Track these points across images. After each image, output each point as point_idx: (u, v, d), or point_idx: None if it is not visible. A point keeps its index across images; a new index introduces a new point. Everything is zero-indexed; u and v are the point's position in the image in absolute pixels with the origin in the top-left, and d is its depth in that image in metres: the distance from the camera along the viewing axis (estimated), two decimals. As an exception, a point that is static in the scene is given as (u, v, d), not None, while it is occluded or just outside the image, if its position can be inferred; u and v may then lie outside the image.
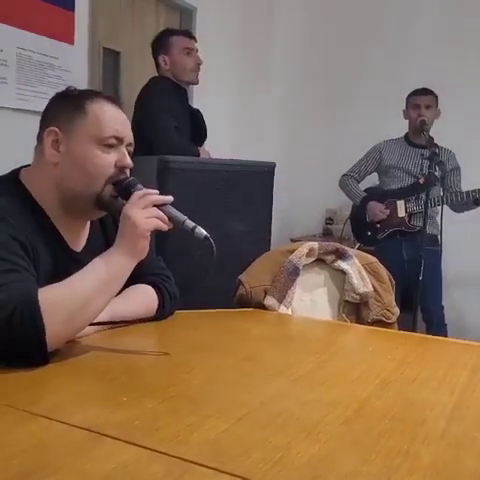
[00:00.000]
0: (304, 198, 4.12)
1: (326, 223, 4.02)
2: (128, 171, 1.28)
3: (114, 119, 1.26)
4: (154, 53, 2.87)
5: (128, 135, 1.29)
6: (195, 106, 3.07)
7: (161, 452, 0.79)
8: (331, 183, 3.51)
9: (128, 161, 1.27)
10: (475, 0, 3.79)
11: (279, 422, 0.91)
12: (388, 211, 3.28)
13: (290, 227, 3.88)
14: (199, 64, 2.86)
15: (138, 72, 3.12)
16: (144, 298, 1.37)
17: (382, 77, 3.97)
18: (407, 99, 3.27)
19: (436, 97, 3.19)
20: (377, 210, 3.30)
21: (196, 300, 1.34)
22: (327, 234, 3.90)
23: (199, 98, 3.39)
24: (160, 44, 2.84)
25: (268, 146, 3.95)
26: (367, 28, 4.04)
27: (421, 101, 3.18)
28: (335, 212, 3.97)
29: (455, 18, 3.80)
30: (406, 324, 3.02)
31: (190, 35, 2.90)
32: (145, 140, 2.23)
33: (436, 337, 1.60)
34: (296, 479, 0.76)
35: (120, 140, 1.26)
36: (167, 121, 2.65)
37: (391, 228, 3.31)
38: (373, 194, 3.39)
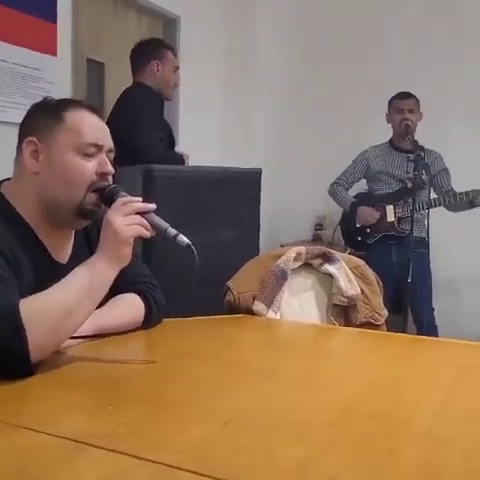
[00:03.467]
0: (293, 204, 4.13)
1: (316, 229, 4.03)
2: (110, 178, 1.27)
3: (93, 127, 1.26)
4: (145, 57, 2.81)
5: (108, 142, 1.28)
6: (182, 114, 3.08)
7: (146, 459, 0.78)
8: (320, 189, 3.52)
9: (109, 167, 1.26)
10: (454, 3, 3.82)
11: (265, 426, 0.91)
12: (378, 215, 3.29)
13: (279, 233, 3.88)
14: (179, 84, 2.91)
15: (122, 82, 3.13)
16: (131, 308, 1.36)
17: (368, 82, 3.99)
18: (390, 103, 3.28)
19: (418, 101, 3.21)
20: (367, 215, 3.31)
21: (185, 308, 1.33)
22: (317, 240, 3.91)
23: (186, 105, 3.40)
24: (155, 51, 2.80)
25: (257, 152, 3.96)
26: (351, 34, 4.07)
27: (404, 105, 3.20)
28: (324, 218, 3.98)
29: (438, 22, 3.83)
30: (397, 327, 3.03)
31: (175, 54, 2.93)
32: (128, 148, 2.21)
33: (423, 337, 1.61)
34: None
35: (100, 147, 1.26)
36: (153, 131, 2.65)
37: (381, 233, 3.32)
38: (362, 200, 3.40)
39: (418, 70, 3.82)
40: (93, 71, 3.06)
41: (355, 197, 3.44)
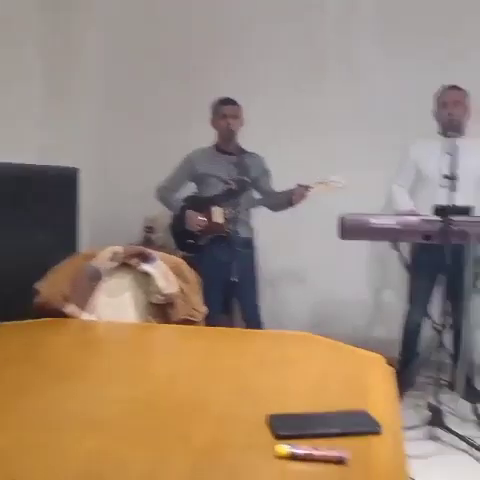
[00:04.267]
0: (122, 206, 4.07)
1: (146, 231, 4.00)
2: None
3: None
4: None
5: None
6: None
7: None
8: (150, 191, 3.52)
9: None
10: (271, 8, 4.06)
11: (63, 422, 0.90)
12: (205, 219, 3.36)
13: (107, 236, 3.78)
14: None
15: None
16: None
17: (192, 86, 4.08)
18: (214, 108, 3.39)
19: (240, 106, 3.36)
20: (194, 219, 3.37)
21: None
22: (147, 243, 3.88)
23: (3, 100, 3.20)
24: None
25: (84, 154, 3.85)
26: (170, 37, 4.13)
27: (227, 111, 3.32)
28: (155, 220, 3.97)
29: (259, 28, 4.03)
30: (226, 325, 3.14)
31: None
32: None
33: (231, 329, 1.68)
34: (71, 474, 0.75)
35: None
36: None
37: (210, 234, 3.38)
38: (191, 202, 3.45)
39: (238, 76, 3.99)
40: None
41: (184, 200, 3.49)
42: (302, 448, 0.84)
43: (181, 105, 4.10)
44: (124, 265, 1.78)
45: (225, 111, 3.34)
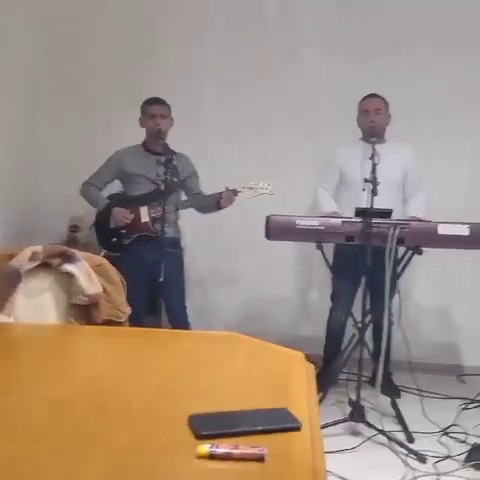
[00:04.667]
0: (47, 204, 3.96)
1: (70, 230, 3.91)
2: None
3: None
4: None
5: None
6: None
7: None
8: (75, 188, 3.44)
9: None
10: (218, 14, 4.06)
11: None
12: (132, 216, 3.32)
13: (31, 235, 3.67)
14: None
15: None
16: None
17: (120, 85, 4.02)
18: (143, 108, 3.36)
19: (169, 106, 3.34)
20: (122, 215, 3.33)
21: None
22: (72, 242, 3.78)
23: None
24: None
25: (8, 151, 3.71)
26: (100, 34, 4.06)
27: (156, 111, 3.30)
28: (81, 219, 3.88)
29: (195, 27, 4.02)
30: (152, 326, 3.11)
31: None
32: None
33: (156, 329, 1.67)
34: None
35: None
36: None
37: (136, 233, 3.35)
38: (117, 200, 3.41)
39: (169, 75, 3.96)
40: None
41: (109, 198, 3.44)
42: (222, 447, 0.84)
43: (109, 103, 4.03)
44: (45, 265, 1.73)
45: (153, 111, 3.32)
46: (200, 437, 0.89)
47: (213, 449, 0.84)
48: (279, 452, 0.86)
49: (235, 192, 3.20)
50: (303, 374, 1.24)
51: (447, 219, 2.91)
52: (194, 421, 0.93)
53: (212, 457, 0.83)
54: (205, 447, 0.84)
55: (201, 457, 0.83)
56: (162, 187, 3.19)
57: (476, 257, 2.97)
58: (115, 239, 3.39)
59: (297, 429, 0.95)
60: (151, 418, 0.96)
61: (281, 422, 0.97)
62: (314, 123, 3.86)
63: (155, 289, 3.09)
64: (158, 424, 0.94)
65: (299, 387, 1.16)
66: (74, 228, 3.89)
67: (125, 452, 0.83)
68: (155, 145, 3.33)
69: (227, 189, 3.20)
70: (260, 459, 0.83)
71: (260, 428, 0.94)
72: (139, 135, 3.42)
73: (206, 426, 0.92)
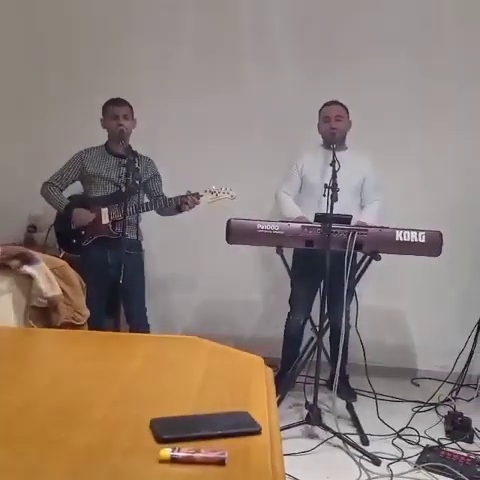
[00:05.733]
0: (4, 203, 3.88)
1: (28, 230, 3.84)
2: None
3: None
4: None
5: None
6: None
7: None
8: (35, 188, 3.38)
9: None
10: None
11: None
12: (94, 216, 3.29)
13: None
14: None
15: None
16: None
17: (87, 86, 3.97)
18: (105, 109, 3.31)
19: (132, 107, 3.32)
20: (83, 216, 3.29)
21: None
22: (29, 242, 3.72)
23: None
24: None
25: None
26: (60, 31, 4.02)
27: (118, 111, 3.27)
28: (38, 218, 3.82)
29: (159, 27, 4.02)
30: (111, 328, 3.09)
31: None
32: None
33: (118, 333, 1.67)
34: None
35: None
36: None
37: (96, 235, 3.32)
38: (77, 202, 3.37)
39: (130, 75, 3.95)
40: None
41: (69, 199, 3.40)
42: (183, 451, 0.85)
43: (71, 103, 3.98)
44: (3, 267, 1.70)
45: (116, 111, 3.30)
46: (161, 441, 0.89)
47: (175, 453, 0.84)
48: (240, 455, 0.87)
49: (197, 196, 3.21)
50: (262, 378, 1.26)
51: (402, 226, 2.98)
52: (155, 425, 0.94)
53: (174, 461, 0.83)
54: (166, 451, 0.85)
55: (163, 461, 0.83)
56: (123, 189, 3.18)
57: (430, 262, 3.06)
58: (74, 240, 3.35)
59: (257, 432, 0.97)
60: (112, 422, 0.96)
61: (241, 426, 0.98)
62: (278, 128, 3.90)
63: (114, 291, 3.07)
64: (119, 428, 0.94)
65: (259, 391, 1.17)
66: (32, 228, 3.82)
67: (87, 456, 0.83)
68: (117, 146, 3.30)
69: (189, 193, 3.21)
70: (221, 463, 0.84)
71: (221, 432, 0.95)
72: (98, 136, 3.39)
73: (167, 430, 0.93)
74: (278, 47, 3.97)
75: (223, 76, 4.01)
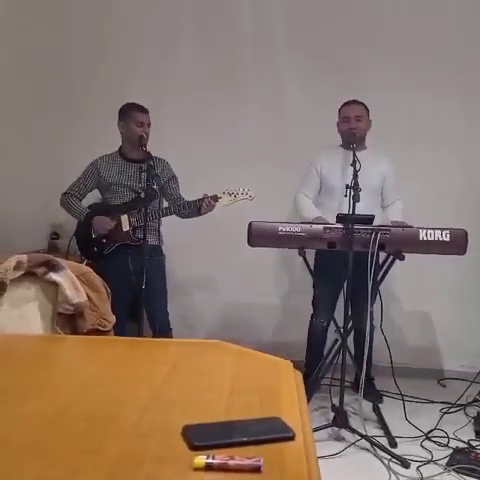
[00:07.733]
0: (27, 211, 3.91)
1: (51, 238, 3.87)
2: None
3: None
4: None
5: None
6: None
7: None
8: (56, 196, 3.40)
9: None
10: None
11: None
12: (113, 224, 3.29)
13: (11, 242, 3.62)
14: None
15: None
16: None
17: (102, 93, 4.00)
18: (126, 113, 3.27)
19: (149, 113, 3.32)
20: (103, 224, 3.29)
21: None
22: (53, 249, 3.75)
23: None
24: None
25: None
26: (76, 47, 4.06)
27: (144, 119, 3.25)
28: (61, 226, 3.85)
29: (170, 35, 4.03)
30: (134, 333, 3.09)
31: None
32: None
33: (143, 339, 1.66)
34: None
35: None
36: None
37: (117, 242, 3.32)
38: (97, 210, 3.37)
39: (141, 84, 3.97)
40: None
41: (89, 207, 3.41)
42: (218, 458, 0.84)
43: (89, 110, 4.01)
44: (29, 274, 1.71)
45: (142, 118, 3.27)
46: (195, 448, 0.88)
47: (209, 460, 0.83)
48: (275, 462, 0.86)
49: (215, 198, 3.20)
50: (292, 382, 1.25)
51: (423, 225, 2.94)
52: (188, 432, 0.93)
53: (209, 469, 0.82)
54: (200, 458, 0.84)
55: (197, 469, 0.82)
56: (142, 195, 3.17)
57: (456, 262, 3.01)
58: (96, 248, 3.35)
59: (291, 438, 0.95)
60: (143, 429, 0.95)
61: (275, 432, 0.97)
62: (295, 129, 3.88)
63: (137, 296, 3.07)
64: (151, 435, 0.93)
65: (290, 395, 1.16)
66: (55, 236, 3.85)
67: (121, 465, 0.82)
68: (133, 151, 3.30)
69: (206, 195, 3.20)
70: (257, 470, 0.83)
71: (254, 438, 0.93)
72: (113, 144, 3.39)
73: (201, 437, 0.92)
74: (286, 48, 3.97)
75: (248, 74, 4.00)
